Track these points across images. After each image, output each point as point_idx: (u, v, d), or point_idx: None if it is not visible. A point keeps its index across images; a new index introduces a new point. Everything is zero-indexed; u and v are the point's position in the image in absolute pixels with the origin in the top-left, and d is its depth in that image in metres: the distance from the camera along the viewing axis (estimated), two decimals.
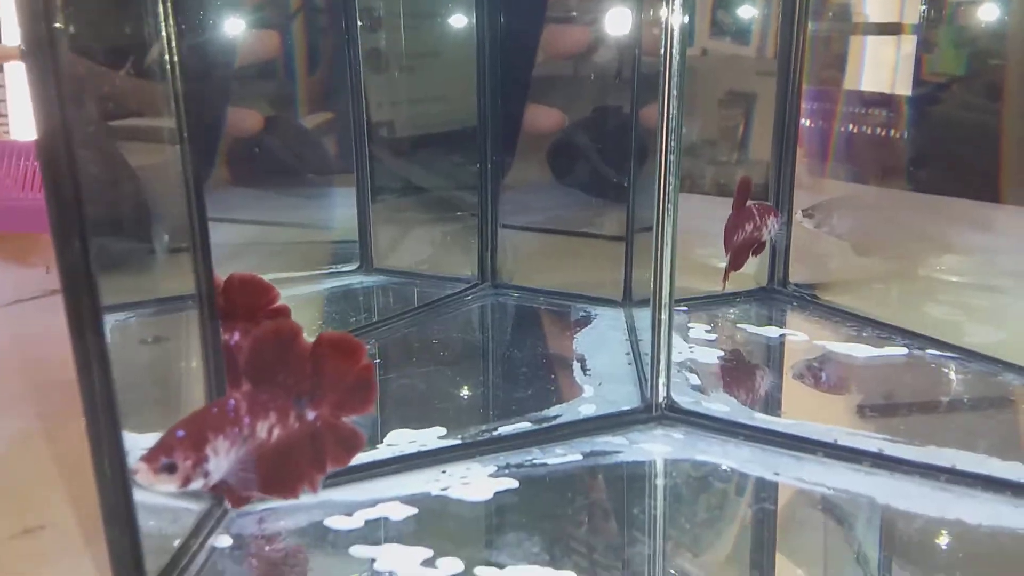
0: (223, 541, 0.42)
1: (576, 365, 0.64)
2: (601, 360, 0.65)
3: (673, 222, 0.53)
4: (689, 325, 0.72)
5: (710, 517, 0.44)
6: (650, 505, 0.46)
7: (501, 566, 0.40)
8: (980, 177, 0.96)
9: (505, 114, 0.83)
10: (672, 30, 0.48)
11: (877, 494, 0.46)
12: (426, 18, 0.89)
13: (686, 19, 0.48)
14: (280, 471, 0.41)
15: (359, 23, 0.83)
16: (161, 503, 0.42)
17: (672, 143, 0.50)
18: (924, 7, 0.90)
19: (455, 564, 0.40)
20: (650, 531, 0.44)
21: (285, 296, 0.81)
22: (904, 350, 0.66)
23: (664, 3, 0.47)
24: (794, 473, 0.48)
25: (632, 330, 0.71)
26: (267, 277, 0.82)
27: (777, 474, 0.48)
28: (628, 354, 0.66)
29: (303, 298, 0.81)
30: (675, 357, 0.64)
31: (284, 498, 0.42)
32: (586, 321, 0.74)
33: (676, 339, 0.68)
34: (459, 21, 0.86)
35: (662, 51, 0.48)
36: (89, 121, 0.43)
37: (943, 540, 0.43)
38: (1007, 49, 0.92)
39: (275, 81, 0.87)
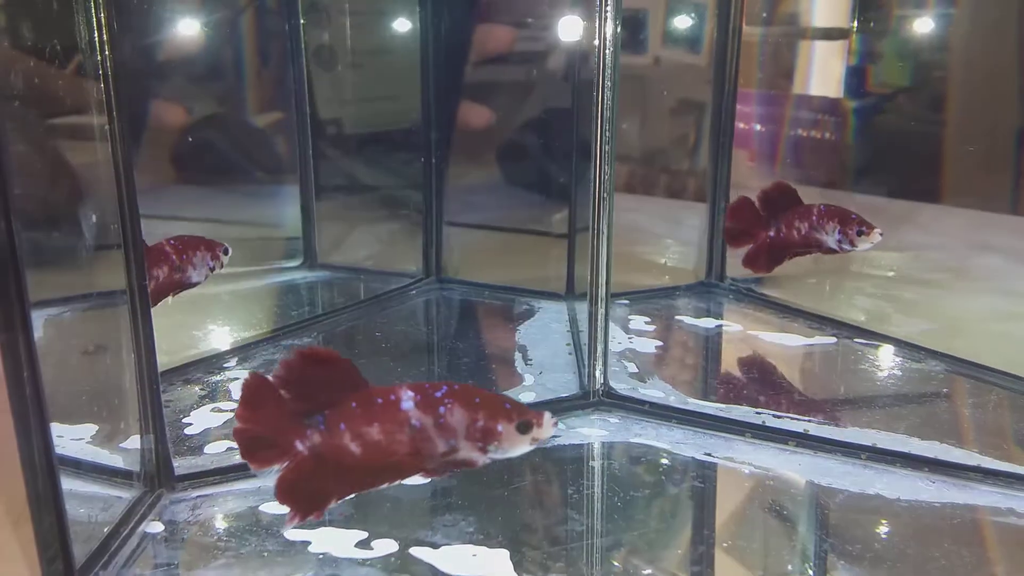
0: (155, 527, 0.42)
1: (518, 356, 0.65)
2: (542, 351, 0.66)
3: (609, 213, 0.54)
4: (630, 317, 0.74)
5: (643, 495, 0.46)
6: (585, 485, 0.47)
7: (436, 546, 0.40)
8: (923, 180, 0.99)
9: (445, 114, 0.83)
10: (605, 36, 0.49)
11: (801, 471, 0.48)
12: (372, 15, 0.90)
13: (618, 27, 0.49)
14: None
15: (302, 20, 0.83)
16: (91, 491, 0.42)
17: (607, 133, 0.51)
18: (862, 19, 0.93)
19: (390, 545, 0.40)
20: (585, 509, 0.45)
21: (228, 291, 0.81)
22: (833, 339, 0.68)
23: (595, 9, 0.49)
24: (724, 453, 0.50)
25: (573, 321, 0.72)
26: None
27: (708, 454, 0.50)
28: (569, 344, 0.67)
29: (245, 293, 0.80)
30: (615, 347, 0.66)
31: None
32: (529, 314, 0.75)
33: (616, 330, 0.70)
34: (404, 18, 0.86)
35: (596, 42, 0.49)
36: (16, 115, 0.43)
37: (863, 513, 0.44)
38: (950, 61, 0.95)
39: (221, 79, 0.86)
